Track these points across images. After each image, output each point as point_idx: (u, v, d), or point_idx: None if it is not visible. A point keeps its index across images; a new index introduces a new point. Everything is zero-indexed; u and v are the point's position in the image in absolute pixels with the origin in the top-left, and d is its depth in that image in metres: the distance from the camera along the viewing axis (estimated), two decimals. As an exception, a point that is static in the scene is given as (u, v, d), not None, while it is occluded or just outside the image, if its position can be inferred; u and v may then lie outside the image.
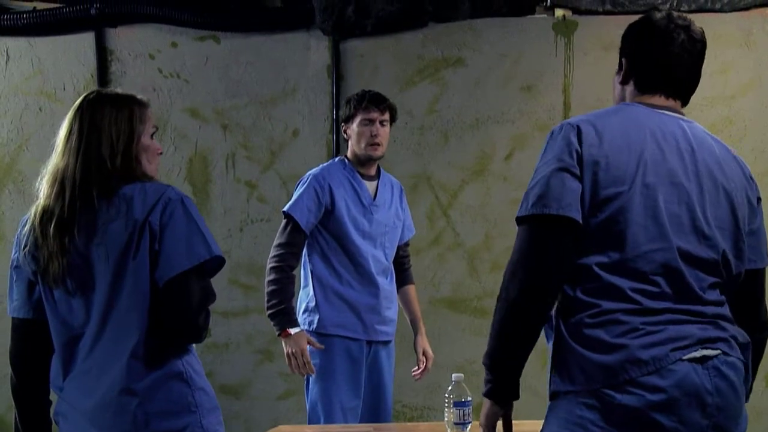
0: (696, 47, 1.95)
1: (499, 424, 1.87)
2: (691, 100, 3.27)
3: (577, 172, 1.74)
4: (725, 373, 1.72)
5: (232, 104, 4.29)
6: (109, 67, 4.27)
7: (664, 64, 1.90)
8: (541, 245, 1.73)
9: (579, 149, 1.75)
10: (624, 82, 1.94)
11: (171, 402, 1.92)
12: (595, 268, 1.73)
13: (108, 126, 1.96)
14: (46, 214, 1.94)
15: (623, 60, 1.93)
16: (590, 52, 4.20)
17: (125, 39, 4.29)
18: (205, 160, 4.30)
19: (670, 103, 1.92)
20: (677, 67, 1.91)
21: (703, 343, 1.73)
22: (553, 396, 1.79)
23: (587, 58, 4.20)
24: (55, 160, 1.97)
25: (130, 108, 2.00)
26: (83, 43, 4.27)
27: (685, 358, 1.69)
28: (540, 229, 1.73)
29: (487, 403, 1.84)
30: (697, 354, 1.71)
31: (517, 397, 1.81)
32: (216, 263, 1.96)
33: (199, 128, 4.29)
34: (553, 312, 1.80)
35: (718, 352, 1.73)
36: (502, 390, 1.82)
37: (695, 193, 1.79)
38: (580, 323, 1.73)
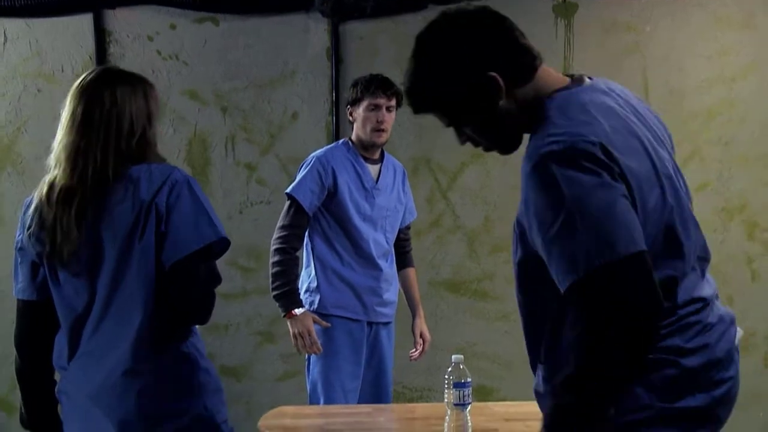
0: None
1: None
2: (689, 82, 3.25)
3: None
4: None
5: (231, 87, 4.28)
6: (107, 49, 4.25)
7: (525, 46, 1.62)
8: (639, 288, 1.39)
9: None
10: (514, 86, 1.58)
11: (175, 383, 1.92)
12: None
13: (128, 105, 1.93)
14: (63, 193, 1.89)
15: (490, 80, 1.56)
16: (591, 35, 4.18)
17: (123, 21, 4.27)
18: (204, 143, 4.30)
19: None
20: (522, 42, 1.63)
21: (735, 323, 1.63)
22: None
23: (588, 40, 4.18)
24: (69, 137, 1.92)
25: (144, 88, 1.98)
26: (81, 24, 4.24)
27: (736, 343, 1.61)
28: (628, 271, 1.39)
29: None
30: (740, 336, 1.62)
31: None
32: (222, 245, 1.95)
33: (198, 111, 4.28)
34: None
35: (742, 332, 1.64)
36: None
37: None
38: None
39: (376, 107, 3.18)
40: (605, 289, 1.37)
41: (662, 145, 1.61)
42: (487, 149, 1.70)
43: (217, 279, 1.97)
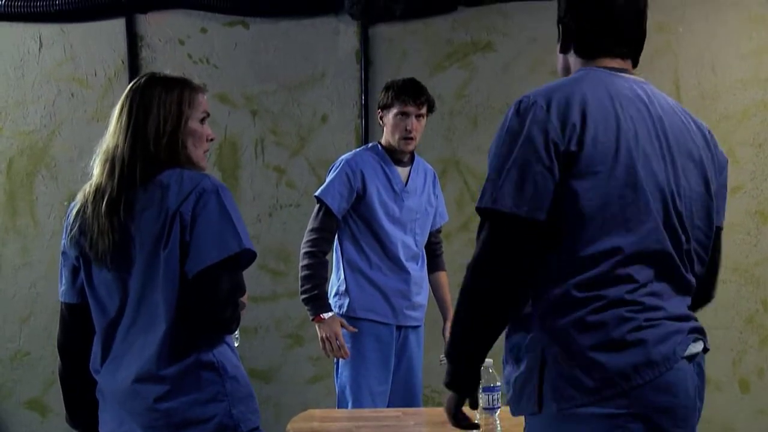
0: (639, 3, 1.77)
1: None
2: (722, 83, 3.12)
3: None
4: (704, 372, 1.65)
5: (261, 90, 4.30)
6: (139, 53, 4.29)
7: (608, 22, 1.73)
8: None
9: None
10: (565, 50, 1.80)
11: (198, 391, 1.92)
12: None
13: (156, 107, 1.95)
14: (98, 192, 1.94)
15: (560, 26, 1.80)
16: (622, 36, 4.14)
17: (155, 25, 4.31)
18: (234, 146, 4.32)
19: (622, 64, 1.76)
20: (623, 24, 1.74)
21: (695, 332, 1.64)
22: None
23: (619, 41, 4.14)
24: (107, 140, 1.98)
25: (180, 91, 1.99)
26: (114, 29, 4.29)
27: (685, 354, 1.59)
28: None
29: (451, 394, 1.74)
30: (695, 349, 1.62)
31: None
32: (248, 256, 1.94)
33: (229, 114, 4.31)
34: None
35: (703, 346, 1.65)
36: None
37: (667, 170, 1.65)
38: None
39: (406, 115, 3.18)
40: (481, 230, 1.60)
41: (674, 158, 1.66)
42: None
43: (240, 291, 1.95)
